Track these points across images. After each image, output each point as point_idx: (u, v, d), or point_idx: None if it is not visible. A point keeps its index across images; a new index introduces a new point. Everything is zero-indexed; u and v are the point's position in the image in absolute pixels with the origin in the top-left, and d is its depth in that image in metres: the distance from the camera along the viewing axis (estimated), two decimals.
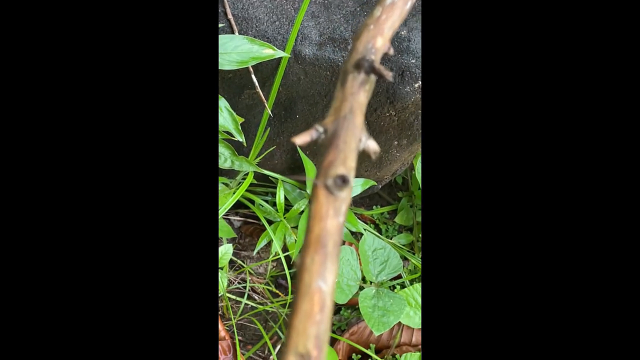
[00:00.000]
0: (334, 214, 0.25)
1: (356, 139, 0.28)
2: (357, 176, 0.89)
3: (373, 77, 0.31)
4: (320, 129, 0.28)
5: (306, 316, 0.22)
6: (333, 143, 0.27)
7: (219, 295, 0.85)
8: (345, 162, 0.27)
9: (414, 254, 0.95)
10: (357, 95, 0.29)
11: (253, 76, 0.78)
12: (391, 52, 0.33)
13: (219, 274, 0.84)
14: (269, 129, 0.85)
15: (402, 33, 0.79)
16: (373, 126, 0.85)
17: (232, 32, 0.76)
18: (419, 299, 0.86)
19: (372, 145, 0.29)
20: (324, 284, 0.23)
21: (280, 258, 0.91)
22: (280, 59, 0.76)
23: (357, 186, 0.91)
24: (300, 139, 0.27)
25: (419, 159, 0.93)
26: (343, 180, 0.26)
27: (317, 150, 0.89)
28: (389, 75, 0.29)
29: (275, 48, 0.73)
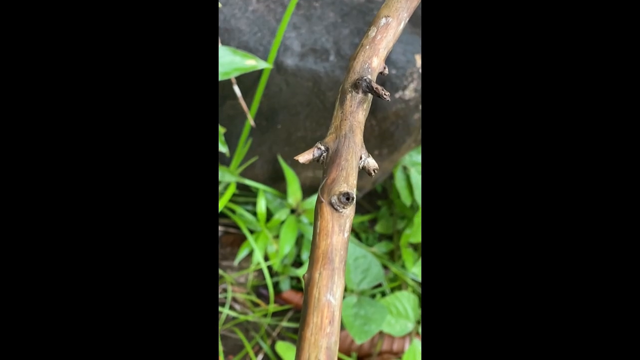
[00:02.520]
0: (339, 230, 0.26)
1: (357, 156, 0.29)
2: None
3: (370, 96, 0.32)
4: (322, 147, 0.29)
5: (317, 329, 0.23)
6: (335, 161, 0.28)
7: None
8: (347, 180, 0.28)
9: (394, 262, 0.96)
10: (356, 113, 0.30)
11: (236, 87, 0.79)
12: (386, 71, 0.34)
13: None
14: (250, 139, 0.86)
15: None
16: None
17: None
18: (400, 307, 0.88)
19: (372, 163, 0.30)
20: (333, 298, 0.24)
21: (261, 268, 0.92)
22: (262, 69, 0.77)
23: None
24: (303, 158, 0.28)
25: (399, 167, 0.94)
26: (347, 198, 0.27)
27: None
28: (386, 95, 0.30)
29: (258, 59, 0.74)
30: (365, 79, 0.31)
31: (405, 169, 0.95)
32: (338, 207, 0.27)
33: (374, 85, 0.31)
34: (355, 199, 0.27)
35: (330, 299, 0.24)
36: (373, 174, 0.30)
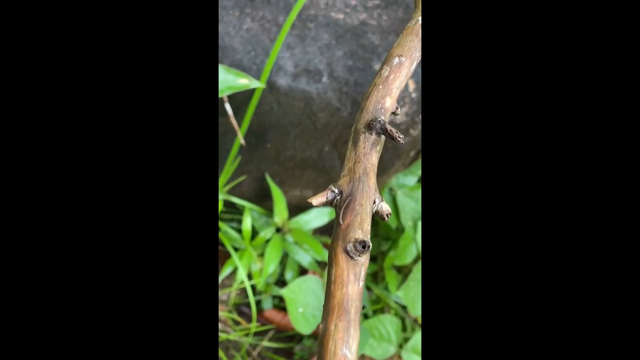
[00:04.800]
0: (354, 279, 0.26)
1: (371, 201, 0.28)
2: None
3: (383, 137, 0.31)
4: (336, 190, 0.29)
5: None
6: (350, 206, 0.28)
7: None
8: (362, 226, 0.27)
9: (377, 284, 0.96)
10: (370, 155, 0.30)
11: (227, 105, 0.78)
12: (398, 111, 0.34)
13: None
14: (239, 156, 0.85)
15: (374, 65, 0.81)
16: (343, 157, 0.86)
17: None
18: (383, 331, 0.87)
19: (385, 208, 0.29)
20: (349, 351, 0.23)
21: (244, 286, 0.91)
22: (254, 88, 0.76)
23: (324, 215, 0.91)
24: (317, 200, 0.28)
25: (386, 189, 0.95)
26: (363, 246, 0.26)
27: (285, 179, 0.90)
28: (400, 137, 0.30)
29: (251, 78, 0.73)
30: (379, 121, 0.31)
31: (391, 190, 0.95)
32: (353, 255, 0.26)
33: (388, 127, 0.31)
34: (370, 247, 0.27)
35: (346, 352, 0.23)
36: (386, 218, 0.30)
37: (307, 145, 0.85)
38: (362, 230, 0.27)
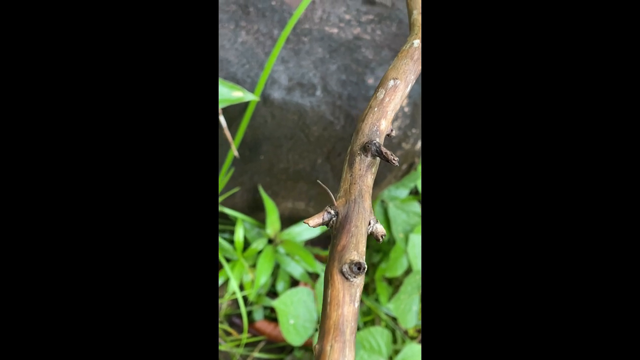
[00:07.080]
0: (350, 300, 0.26)
1: (366, 222, 0.29)
2: None
3: (378, 159, 0.32)
4: (332, 212, 0.29)
5: None
6: (345, 227, 0.28)
7: None
8: (357, 247, 0.28)
9: (368, 295, 0.97)
10: (365, 177, 0.31)
11: (221, 117, 0.79)
12: (393, 133, 0.35)
13: None
14: (233, 168, 0.85)
15: (370, 81, 0.82)
16: (336, 170, 0.87)
17: None
18: (373, 343, 0.88)
19: (380, 229, 0.30)
20: None
21: (235, 297, 0.91)
22: (248, 101, 0.77)
23: (316, 227, 0.92)
24: (313, 222, 0.28)
25: (377, 202, 0.95)
26: (358, 267, 0.27)
27: (278, 191, 0.90)
28: (395, 160, 0.31)
29: (246, 90, 0.74)
30: (374, 143, 0.32)
31: (383, 203, 0.96)
32: (349, 277, 0.27)
33: (384, 150, 0.32)
34: (366, 269, 0.27)
35: None
36: (381, 240, 0.30)
37: (300, 158, 0.86)
38: (357, 252, 0.28)
